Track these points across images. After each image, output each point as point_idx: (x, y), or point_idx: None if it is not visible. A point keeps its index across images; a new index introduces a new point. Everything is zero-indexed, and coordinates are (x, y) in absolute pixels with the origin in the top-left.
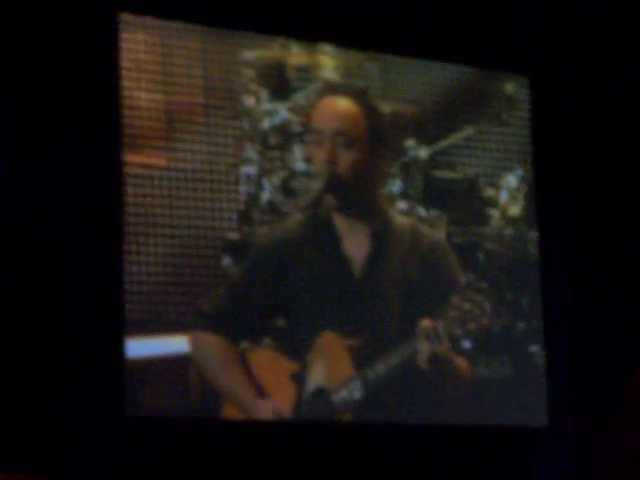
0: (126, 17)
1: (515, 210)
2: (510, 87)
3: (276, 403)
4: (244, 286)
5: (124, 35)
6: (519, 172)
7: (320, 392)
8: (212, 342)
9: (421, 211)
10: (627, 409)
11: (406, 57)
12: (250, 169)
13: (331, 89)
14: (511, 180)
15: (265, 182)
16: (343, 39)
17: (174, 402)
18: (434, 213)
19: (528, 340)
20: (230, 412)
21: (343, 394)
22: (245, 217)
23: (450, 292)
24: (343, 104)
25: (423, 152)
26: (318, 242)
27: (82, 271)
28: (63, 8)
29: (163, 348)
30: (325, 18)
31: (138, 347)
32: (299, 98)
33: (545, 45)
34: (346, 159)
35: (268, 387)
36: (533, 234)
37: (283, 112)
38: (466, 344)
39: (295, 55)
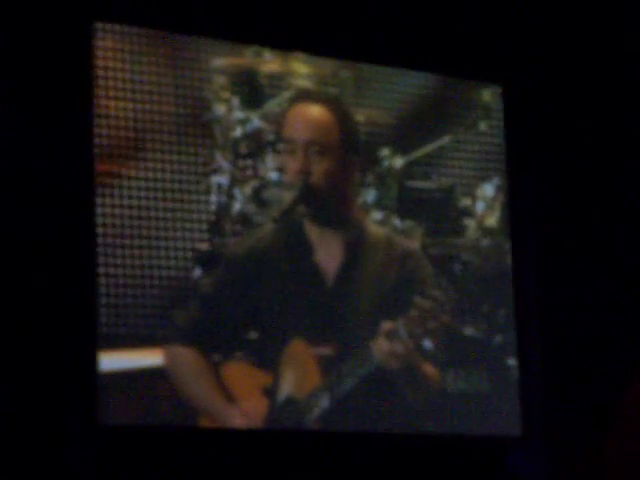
0: (98, 25)
1: (492, 220)
2: (487, 95)
3: (248, 415)
4: (216, 298)
5: (96, 43)
6: (496, 182)
7: (290, 402)
8: (185, 355)
9: (396, 221)
10: (623, 422)
11: (381, 65)
12: (221, 178)
13: (303, 96)
14: (488, 190)
15: (237, 192)
16: (317, 47)
17: (147, 415)
18: (409, 223)
19: (505, 353)
20: (204, 424)
21: (311, 403)
22: (216, 228)
23: None
24: (315, 111)
25: (398, 161)
26: (290, 252)
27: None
28: (37, 16)
29: (136, 362)
30: (299, 26)
31: (111, 361)
32: (272, 106)
33: (518, 53)
34: (319, 168)
35: (240, 400)
36: (510, 245)
37: (255, 120)
38: (427, 343)
39: (268, 62)
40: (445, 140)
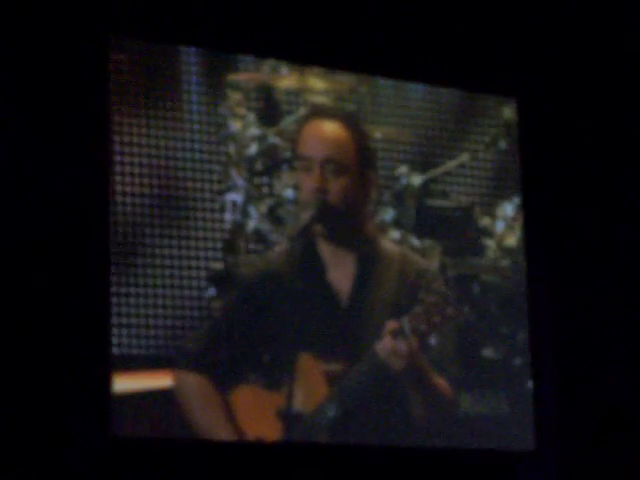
0: (113, 39)
1: (511, 240)
2: (507, 112)
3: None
4: (227, 323)
5: (111, 56)
6: (516, 201)
7: (299, 416)
8: (193, 383)
9: (414, 240)
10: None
11: (399, 80)
12: (236, 196)
13: (318, 112)
14: (507, 209)
15: (252, 210)
16: (334, 61)
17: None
18: (427, 243)
19: (524, 375)
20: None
21: (319, 416)
22: (230, 246)
23: None
24: (331, 128)
25: (416, 179)
26: (303, 271)
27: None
28: (52, 29)
29: (148, 384)
30: (317, 40)
31: (124, 383)
32: (288, 123)
33: (534, 66)
34: (336, 186)
35: (252, 428)
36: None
37: (271, 137)
38: (432, 340)
39: (284, 78)
40: (464, 158)
